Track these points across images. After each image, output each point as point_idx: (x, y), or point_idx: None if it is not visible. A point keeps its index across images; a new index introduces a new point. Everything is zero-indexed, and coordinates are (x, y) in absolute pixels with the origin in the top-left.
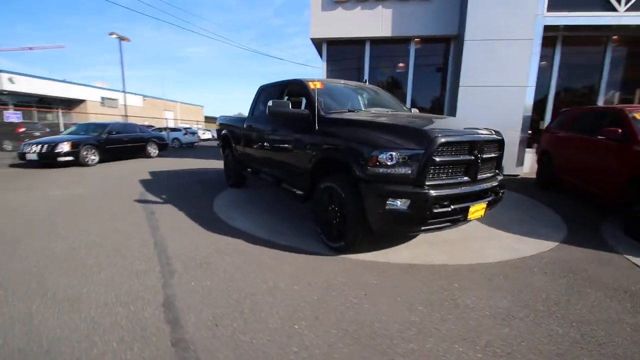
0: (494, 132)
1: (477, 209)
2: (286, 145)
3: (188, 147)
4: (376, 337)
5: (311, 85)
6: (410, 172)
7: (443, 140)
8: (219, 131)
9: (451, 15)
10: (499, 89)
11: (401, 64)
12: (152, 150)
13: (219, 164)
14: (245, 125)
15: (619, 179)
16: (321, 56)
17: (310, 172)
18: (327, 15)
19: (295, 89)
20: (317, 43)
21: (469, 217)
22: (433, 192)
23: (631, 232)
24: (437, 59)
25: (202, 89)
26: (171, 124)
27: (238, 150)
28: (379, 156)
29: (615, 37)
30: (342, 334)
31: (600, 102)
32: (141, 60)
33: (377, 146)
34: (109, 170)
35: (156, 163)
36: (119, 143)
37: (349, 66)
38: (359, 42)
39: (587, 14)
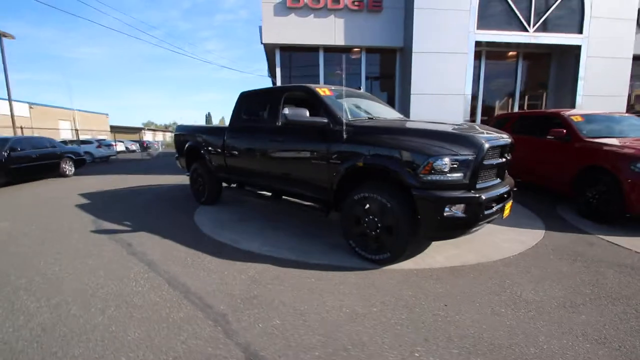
0: (506, 136)
1: (507, 207)
2: (300, 156)
3: (102, 161)
4: (499, 349)
5: (321, 92)
6: (462, 177)
7: (488, 145)
8: (179, 143)
9: (397, 28)
10: (444, 96)
11: (339, 71)
12: (68, 167)
13: (168, 179)
14: (228, 136)
15: (569, 172)
16: (268, 61)
17: (337, 183)
18: (279, 20)
19: (298, 95)
20: (270, 49)
21: (503, 215)
22: (484, 195)
23: (585, 213)
24: (386, 69)
25: (103, 95)
26: (69, 136)
27: (215, 164)
28: (435, 163)
29: (525, 52)
30: (466, 351)
31: (516, 107)
32: (17, 61)
33: (432, 153)
34: (22, 196)
35: (79, 183)
36: (26, 161)
37: (303, 72)
38: (313, 49)
39: (506, 33)
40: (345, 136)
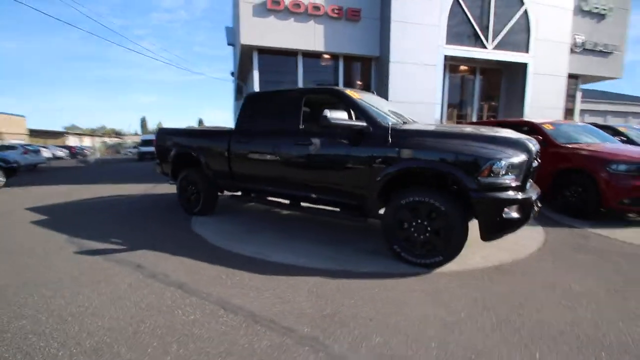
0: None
1: (539, 206)
2: (333, 161)
3: (28, 170)
4: (602, 340)
5: (353, 95)
6: (515, 179)
7: (535, 149)
8: (163, 148)
9: (374, 38)
10: (418, 104)
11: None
12: None
13: (130, 189)
14: (234, 139)
15: (547, 175)
16: (239, 63)
17: (380, 188)
18: (259, 22)
19: (325, 98)
20: (247, 50)
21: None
22: (533, 196)
23: (565, 210)
24: (362, 77)
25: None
26: None
27: (215, 170)
28: (494, 166)
29: (482, 67)
30: (577, 347)
31: (475, 117)
32: None
33: (491, 156)
34: None
35: (18, 196)
36: None
37: (280, 78)
38: (291, 54)
39: (469, 48)
40: (390, 140)
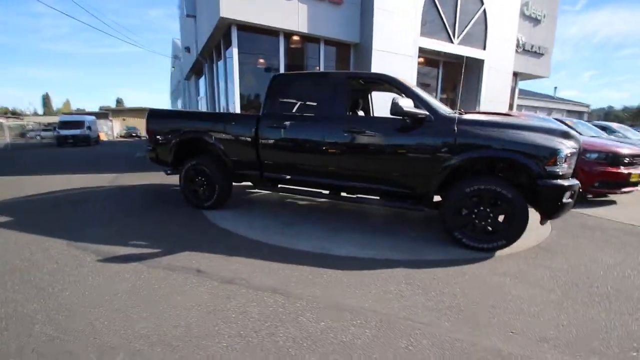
0: None
1: None
2: (392, 150)
3: None
4: None
5: (407, 83)
6: (569, 167)
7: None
8: (159, 133)
9: (354, 24)
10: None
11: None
12: None
13: (88, 180)
14: (264, 125)
15: None
16: (181, 35)
17: (443, 177)
18: None
19: (371, 86)
20: (224, 25)
21: None
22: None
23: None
24: (341, 64)
25: None
26: None
27: (237, 158)
28: (558, 155)
29: (445, 60)
30: None
31: None
32: None
33: (557, 147)
34: None
35: None
36: None
37: (261, 58)
38: (273, 34)
39: (438, 41)
40: (456, 129)
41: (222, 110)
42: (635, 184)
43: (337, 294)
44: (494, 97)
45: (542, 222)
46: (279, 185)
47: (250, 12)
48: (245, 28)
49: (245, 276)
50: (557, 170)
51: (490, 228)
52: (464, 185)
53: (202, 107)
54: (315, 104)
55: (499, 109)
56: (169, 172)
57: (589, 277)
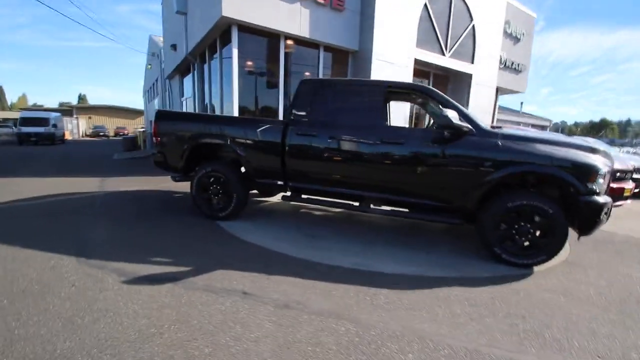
0: None
1: None
2: (434, 162)
3: None
4: None
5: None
6: (605, 184)
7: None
8: (170, 136)
9: (354, 31)
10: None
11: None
12: None
13: (67, 184)
14: (293, 132)
15: None
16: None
17: (486, 191)
18: None
19: (412, 95)
20: (224, 24)
21: None
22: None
23: None
24: (339, 71)
25: None
26: None
27: (259, 166)
28: (599, 173)
29: (434, 72)
30: None
31: (427, 117)
32: None
33: (598, 164)
34: None
35: None
36: None
37: (261, 61)
38: (274, 36)
39: (432, 54)
40: (500, 144)
41: (211, 112)
42: (625, 198)
43: (405, 318)
44: (480, 110)
45: (578, 238)
46: (303, 196)
47: (253, 12)
48: (245, 29)
49: (299, 298)
50: (596, 187)
51: (527, 243)
52: (506, 200)
53: (188, 108)
54: (348, 111)
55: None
56: (177, 178)
57: (631, 293)
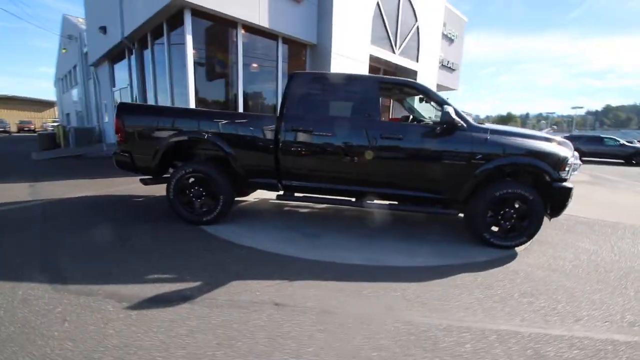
0: None
1: None
2: (430, 156)
3: None
4: None
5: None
6: (568, 172)
7: None
8: (139, 133)
9: (311, 24)
10: None
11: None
12: None
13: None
14: (286, 128)
15: None
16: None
17: (477, 182)
18: None
19: (404, 91)
20: (175, 7)
21: None
22: None
23: None
24: (298, 63)
25: None
26: None
27: (250, 164)
28: (567, 162)
29: (385, 68)
30: None
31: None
32: None
33: (567, 154)
34: None
35: None
36: None
37: (215, 49)
38: (230, 25)
39: (383, 50)
40: (489, 138)
41: (154, 104)
42: None
43: (442, 310)
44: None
45: (549, 219)
46: (297, 194)
47: None
48: (199, 14)
49: (334, 302)
50: (565, 174)
51: (509, 226)
52: (494, 189)
53: (124, 99)
54: (343, 106)
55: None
56: (148, 181)
57: (597, 264)
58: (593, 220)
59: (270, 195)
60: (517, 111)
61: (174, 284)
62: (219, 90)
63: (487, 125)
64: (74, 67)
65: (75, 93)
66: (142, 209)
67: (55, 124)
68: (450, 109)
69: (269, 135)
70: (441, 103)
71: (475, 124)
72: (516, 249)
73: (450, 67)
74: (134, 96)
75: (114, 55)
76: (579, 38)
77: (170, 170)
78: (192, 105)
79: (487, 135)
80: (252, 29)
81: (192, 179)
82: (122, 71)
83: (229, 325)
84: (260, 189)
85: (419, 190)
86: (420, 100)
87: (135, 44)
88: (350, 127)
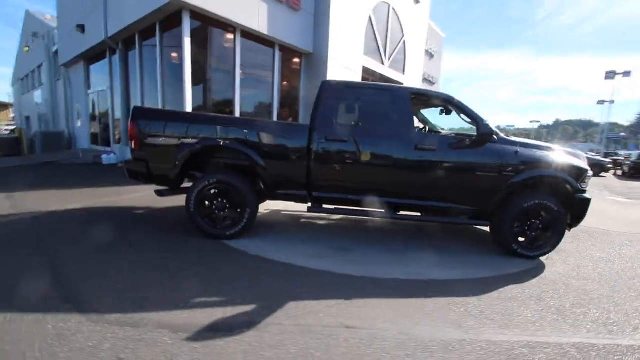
0: None
1: None
2: (463, 168)
3: None
4: None
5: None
6: (586, 184)
7: None
8: (158, 141)
9: (308, 33)
10: None
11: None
12: None
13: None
14: (319, 138)
15: None
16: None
17: (504, 193)
18: None
19: (434, 103)
20: (172, 8)
21: None
22: None
23: None
24: (293, 72)
25: None
26: None
27: (281, 174)
28: (586, 174)
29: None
30: None
31: None
32: None
33: (585, 169)
34: None
35: None
36: None
37: (213, 53)
38: (229, 29)
39: (374, 62)
40: (518, 151)
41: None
42: None
43: (510, 325)
44: None
45: (569, 229)
46: (325, 206)
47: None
48: (198, 16)
49: (406, 323)
50: (584, 186)
51: (537, 238)
52: (522, 201)
53: (101, 102)
54: (378, 116)
55: None
56: (165, 192)
57: (611, 269)
58: (589, 229)
59: (280, 206)
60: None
61: (225, 308)
62: (215, 96)
63: (514, 138)
64: (39, 66)
65: (38, 94)
66: (150, 223)
67: (11, 127)
68: (489, 122)
69: (302, 145)
70: (473, 116)
71: (505, 136)
72: (542, 258)
73: (430, 81)
74: (114, 100)
75: (91, 56)
76: (532, 58)
77: (186, 180)
78: (189, 109)
79: (517, 148)
80: (250, 35)
81: (213, 190)
82: (100, 73)
83: (309, 354)
84: (289, 200)
85: (451, 202)
86: (441, 112)
87: (119, 45)
88: (385, 138)
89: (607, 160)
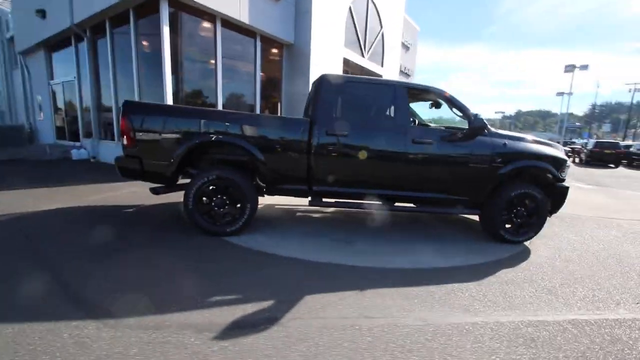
0: None
1: None
2: (458, 160)
3: None
4: None
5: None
6: (566, 173)
7: None
8: (153, 136)
9: (289, 23)
10: None
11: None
12: None
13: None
14: (319, 132)
15: None
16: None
17: (497, 183)
18: None
19: (427, 97)
20: None
21: None
22: None
23: None
24: (275, 63)
25: None
26: None
27: (281, 168)
28: (566, 164)
29: (351, 72)
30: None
31: None
32: None
33: (565, 158)
34: None
35: None
36: None
37: (194, 47)
38: (209, 19)
39: (354, 54)
40: (506, 143)
41: (115, 101)
42: None
43: (515, 306)
44: None
45: (550, 216)
46: (325, 200)
47: None
48: (176, 4)
49: (422, 312)
50: (564, 175)
51: (522, 224)
52: (510, 190)
53: (67, 94)
54: (377, 110)
55: None
56: (159, 190)
57: (592, 252)
58: (561, 214)
59: (273, 200)
60: (448, 114)
61: (243, 305)
62: (195, 87)
63: (501, 131)
64: None
65: None
66: (140, 221)
67: None
68: (481, 116)
69: (303, 139)
70: (465, 109)
71: (493, 129)
72: (525, 243)
73: (406, 73)
74: (82, 91)
75: (54, 43)
76: (496, 51)
77: (180, 177)
78: (169, 101)
79: (505, 140)
80: (231, 25)
81: (212, 187)
82: (64, 62)
83: (340, 346)
84: (289, 195)
85: (445, 193)
86: (430, 106)
87: (87, 32)
88: (384, 131)
89: (567, 148)
